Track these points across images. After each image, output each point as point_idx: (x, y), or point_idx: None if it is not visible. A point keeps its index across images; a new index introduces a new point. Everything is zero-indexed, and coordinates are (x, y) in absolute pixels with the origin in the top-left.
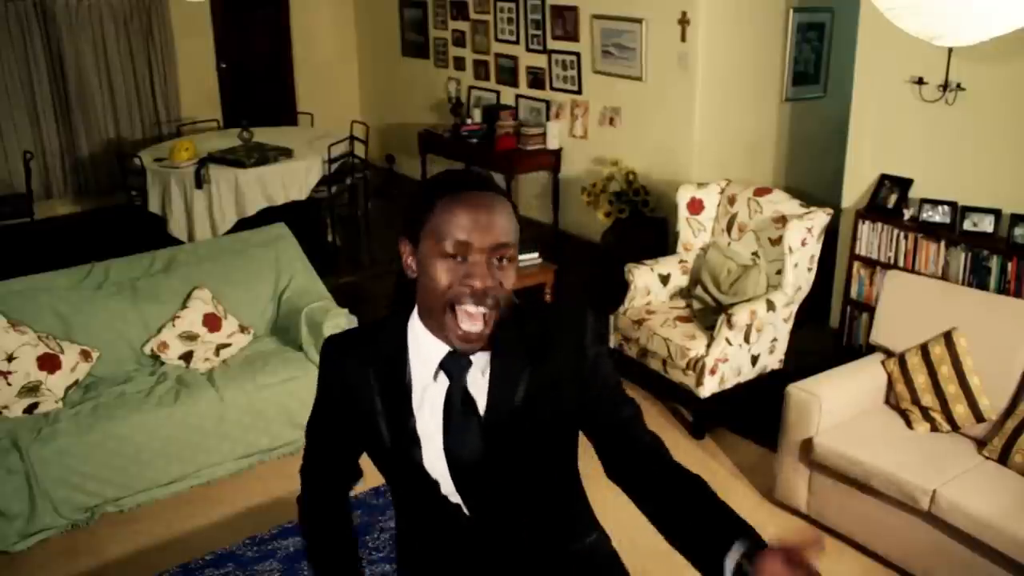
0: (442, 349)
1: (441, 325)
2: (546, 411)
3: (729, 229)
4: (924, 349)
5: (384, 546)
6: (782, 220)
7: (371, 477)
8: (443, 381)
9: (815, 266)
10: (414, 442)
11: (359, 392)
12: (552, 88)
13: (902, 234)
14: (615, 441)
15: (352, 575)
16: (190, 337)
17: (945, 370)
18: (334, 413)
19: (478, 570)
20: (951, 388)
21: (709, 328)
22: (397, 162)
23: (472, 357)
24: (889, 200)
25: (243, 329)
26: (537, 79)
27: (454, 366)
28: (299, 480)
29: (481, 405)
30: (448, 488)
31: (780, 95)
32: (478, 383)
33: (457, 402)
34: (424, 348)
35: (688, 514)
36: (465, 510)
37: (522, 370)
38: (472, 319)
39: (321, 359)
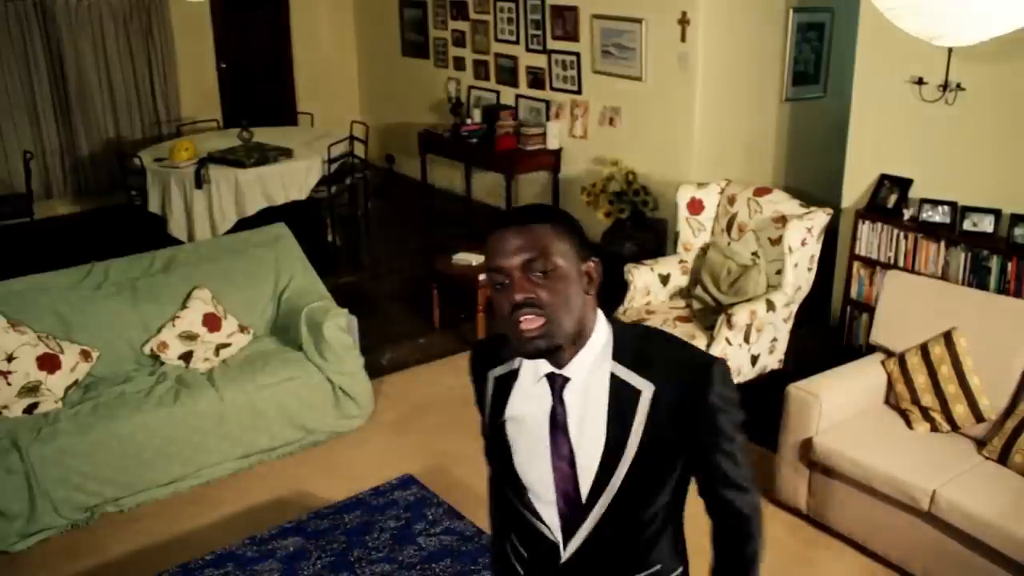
0: (544, 367)
1: (514, 343)
2: (647, 448)
3: (729, 229)
4: (924, 349)
5: (384, 546)
6: (782, 220)
7: (372, 477)
8: (547, 400)
9: (815, 266)
10: (504, 439)
11: (482, 388)
12: (552, 88)
13: (902, 234)
14: (711, 500)
15: None
16: (190, 337)
17: (945, 370)
18: (481, 410)
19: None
20: (951, 388)
21: (709, 328)
22: (397, 162)
23: (570, 375)
24: (889, 200)
25: (243, 329)
26: (537, 79)
27: (554, 385)
28: (301, 485)
29: (574, 423)
30: (537, 496)
31: (780, 95)
32: (577, 402)
33: (558, 419)
34: (532, 366)
35: None
36: (544, 521)
37: (638, 406)
38: (524, 324)
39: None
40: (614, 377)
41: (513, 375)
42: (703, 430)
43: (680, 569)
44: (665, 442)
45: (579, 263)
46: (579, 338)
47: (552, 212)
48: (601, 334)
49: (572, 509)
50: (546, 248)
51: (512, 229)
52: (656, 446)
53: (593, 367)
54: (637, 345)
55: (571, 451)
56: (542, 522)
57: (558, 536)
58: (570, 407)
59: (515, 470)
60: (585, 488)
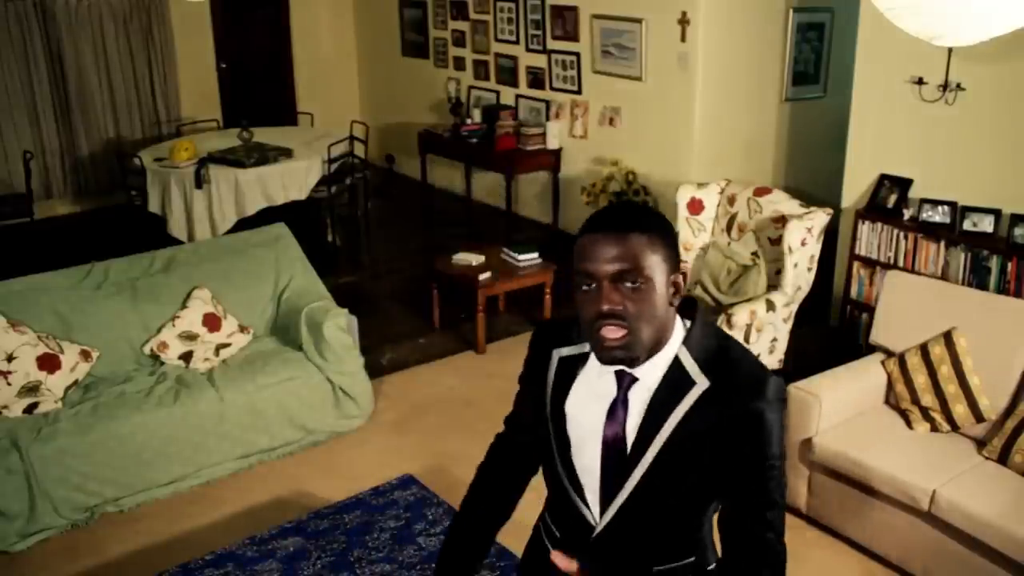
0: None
1: (594, 349)
2: (687, 456)
3: (729, 229)
4: (924, 349)
5: (384, 546)
6: (782, 220)
7: (372, 477)
8: (612, 390)
9: (815, 266)
10: (563, 424)
11: (541, 377)
12: (552, 88)
13: (902, 234)
14: (731, 531)
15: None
16: (190, 337)
17: (945, 370)
18: (528, 388)
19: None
20: (951, 388)
21: None
22: (397, 162)
23: (641, 376)
24: (889, 200)
25: (243, 329)
26: (537, 79)
27: (621, 382)
28: (301, 485)
29: (634, 420)
30: (582, 478)
31: (780, 95)
32: (641, 398)
33: (618, 413)
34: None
35: None
36: (590, 514)
37: (679, 405)
38: (606, 333)
39: (532, 336)
40: (676, 361)
41: (580, 359)
42: (744, 440)
43: (715, 564)
44: (700, 439)
45: (668, 274)
46: (656, 346)
47: (651, 220)
48: (677, 339)
49: (608, 487)
50: (640, 261)
51: (611, 236)
52: (691, 439)
53: (663, 367)
54: (708, 344)
55: (624, 444)
56: (584, 503)
57: (596, 515)
58: (632, 405)
59: (569, 455)
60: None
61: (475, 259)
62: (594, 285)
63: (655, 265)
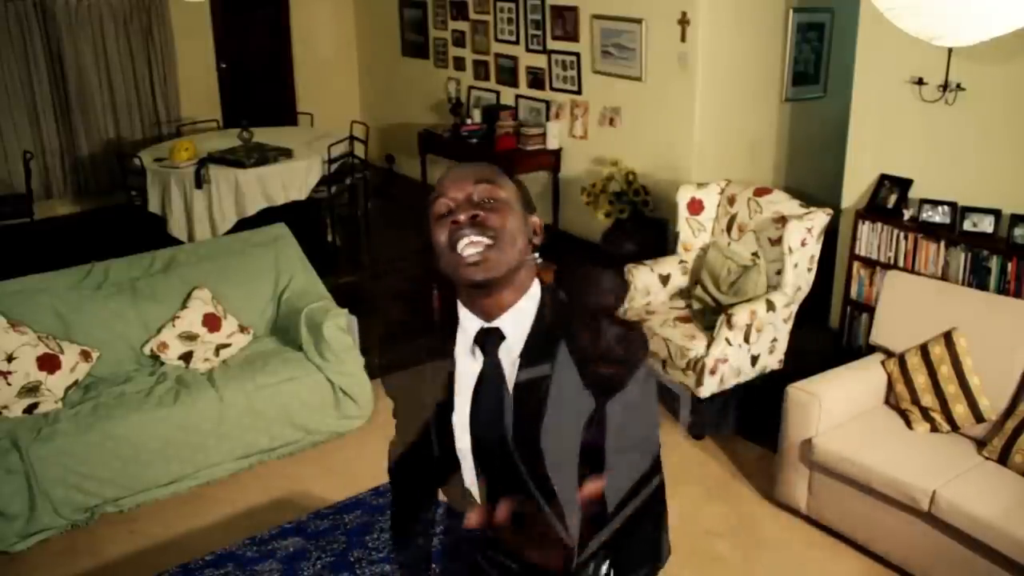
0: (477, 324)
1: (456, 277)
2: (566, 408)
3: (729, 229)
4: (924, 349)
5: (384, 546)
6: (782, 220)
7: (372, 477)
8: (480, 358)
9: (815, 266)
10: (448, 428)
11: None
12: (552, 88)
13: (902, 234)
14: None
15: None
16: (190, 337)
17: (945, 370)
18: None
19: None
20: (951, 388)
21: (709, 328)
22: (397, 162)
23: (507, 333)
24: (889, 200)
25: (243, 329)
26: (537, 79)
27: (488, 341)
28: (301, 485)
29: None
30: (468, 476)
31: (780, 95)
32: (509, 364)
33: (490, 378)
34: (465, 326)
35: None
36: (476, 499)
37: (552, 363)
38: (466, 249)
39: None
40: (539, 316)
41: (445, 362)
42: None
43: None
44: (572, 405)
45: (524, 212)
46: (515, 280)
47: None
48: (534, 294)
49: (488, 469)
50: (496, 190)
51: (466, 169)
52: (563, 407)
53: (527, 323)
54: (562, 308)
55: (501, 412)
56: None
57: (473, 487)
58: (504, 370)
59: (455, 446)
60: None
61: None
62: (452, 207)
63: (511, 195)
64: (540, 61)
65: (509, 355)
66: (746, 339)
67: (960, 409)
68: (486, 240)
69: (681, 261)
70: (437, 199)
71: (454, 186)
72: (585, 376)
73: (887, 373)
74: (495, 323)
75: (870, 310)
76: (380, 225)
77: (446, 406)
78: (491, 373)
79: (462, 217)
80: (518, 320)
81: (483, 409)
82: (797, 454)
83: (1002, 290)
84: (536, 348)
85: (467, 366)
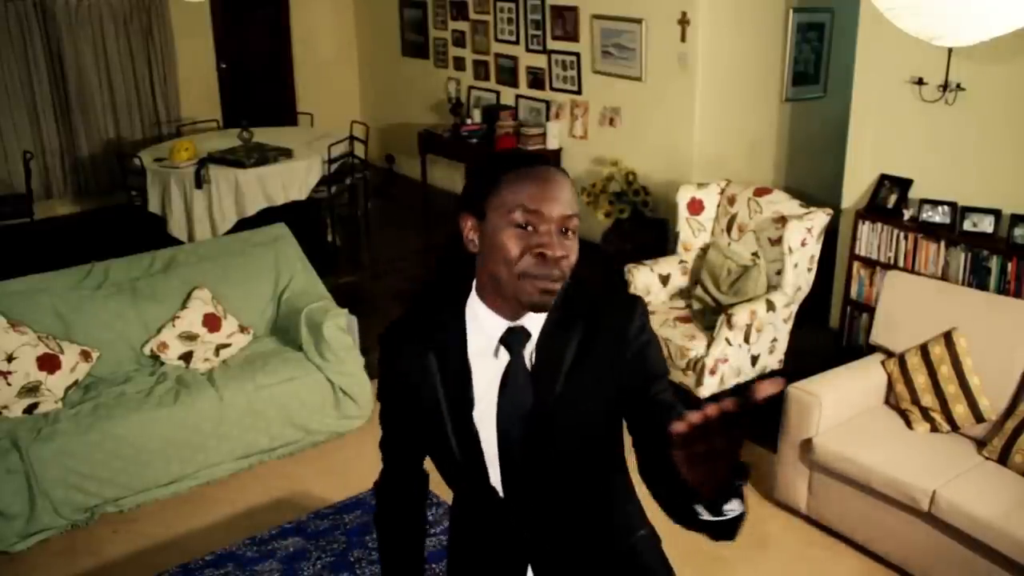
0: (502, 325)
1: (513, 292)
2: (588, 392)
3: (729, 229)
4: (924, 349)
5: None
6: (782, 220)
7: (372, 477)
8: (503, 358)
9: (815, 266)
10: (472, 430)
11: (422, 380)
12: (552, 88)
13: (902, 234)
14: (648, 444)
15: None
16: (190, 337)
17: (945, 370)
18: (398, 403)
19: (516, 564)
20: (951, 388)
21: (709, 328)
22: (397, 162)
23: (531, 329)
24: (889, 200)
25: (243, 329)
26: (537, 79)
27: (515, 340)
28: (301, 485)
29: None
30: (493, 474)
31: (780, 95)
32: (529, 359)
33: (518, 375)
34: (485, 326)
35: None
36: (501, 493)
37: (567, 349)
38: (547, 288)
39: (381, 349)
40: (547, 321)
41: (456, 344)
42: (632, 368)
43: (644, 531)
44: (592, 381)
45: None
46: None
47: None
48: None
49: (522, 460)
50: (576, 208)
51: (556, 178)
52: (586, 379)
53: (542, 316)
54: (565, 293)
55: (537, 409)
56: (490, 488)
57: (501, 493)
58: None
59: (478, 445)
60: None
61: None
62: (538, 228)
63: (579, 219)
64: (540, 61)
65: (529, 348)
66: (746, 339)
67: (960, 409)
68: (559, 276)
69: (681, 261)
70: (526, 211)
71: (548, 203)
72: (609, 337)
73: (887, 373)
74: (521, 322)
75: (870, 310)
76: (380, 225)
77: (462, 408)
78: (517, 369)
79: (549, 254)
80: (537, 317)
81: (512, 404)
82: (797, 454)
83: (1002, 290)
84: (552, 335)
85: (486, 365)
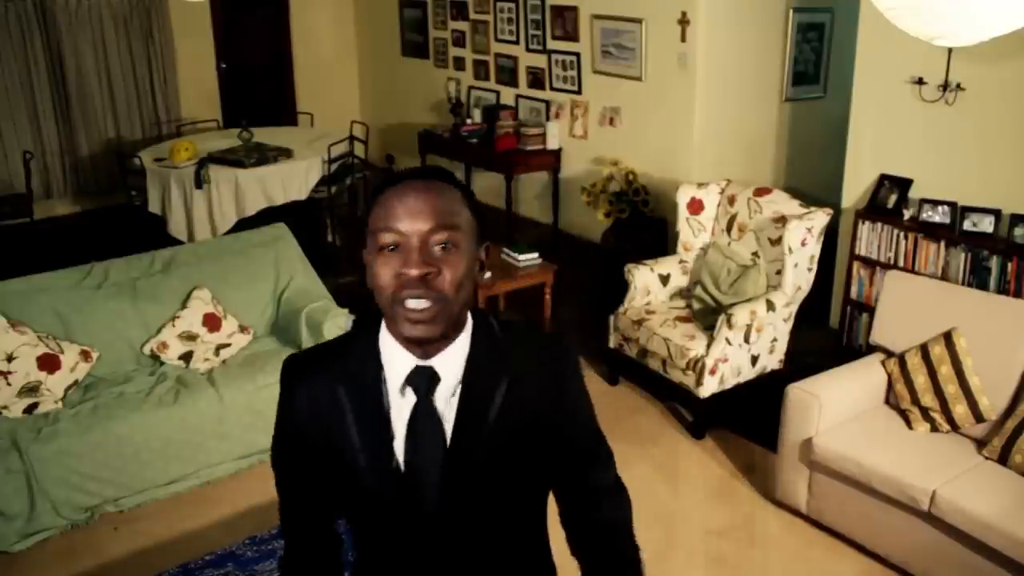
0: (410, 362)
1: (394, 322)
2: (516, 441)
3: (729, 229)
4: (924, 349)
5: None
6: (782, 220)
7: None
8: (410, 398)
9: (815, 266)
10: (392, 467)
11: (330, 413)
12: (552, 88)
13: (902, 234)
14: (576, 502)
15: None
16: (190, 337)
17: (945, 370)
18: (301, 441)
19: None
20: (951, 388)
21: (709, 328)
22: (397, 162)
23: (442, 374)
24: (889, 200)
25: (243, 329)
26: (537, 79)
27: (421, 381)
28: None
29: (448, 427)
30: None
31: (780, 95)
32: (449, 403)
33: (423, 420)
34: (394, 362)
35: None
36: (408, 534)
37: (495, 394)
38: (416, 312)
39: (283, 380)
40: (473, 350)
41: (367, 386)
42: (564, 414)
43: None
44: (521, 432)
45: (476, 243)
46: (455, 328)
47: (456, 178)
48: (468, 326)
49: (421, 519)
50: (454, 218)
51: (420, 188)
52: (512, 430)
53: (460, 359)
54: (493, 325)
55: (437, 447)
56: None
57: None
58: (440, 410)
59: (403, 492)
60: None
61: None
62: (399, 245)
63: (466, 225)
64: (540, 61)
65: (443, 391)
66: (746, 339)
67: (960, 409)
68: (434, 300)
69: (681, 261)
70: (384, 230)
71: (409, 218)
72: (537, 390)
73: (887, 373)
74: (429, 362)
75: (870, 310)
76: None
77: (381, 442)
78: (424, 412)
79: (413, 272)
80: (452, 357)
81: (419, 444)
82: (797, 454)
83: (1002, 290)
84: (476, 378)
85: (400, 402)
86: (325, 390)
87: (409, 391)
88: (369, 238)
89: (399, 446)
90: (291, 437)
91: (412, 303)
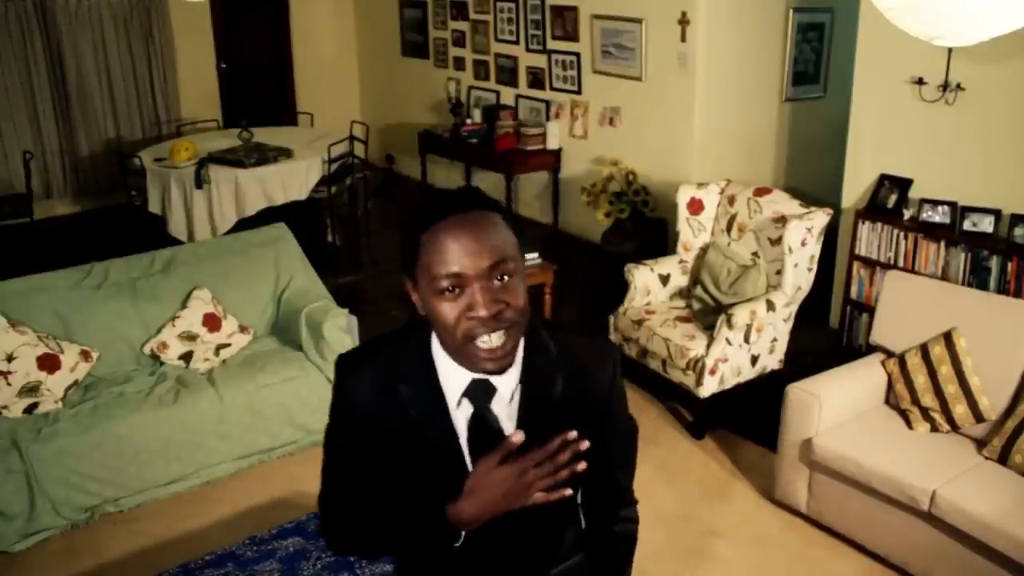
0: (465, 377)
1: (466, 359)
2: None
3: (729, 229)
4: (924, 349)
5: None
6: (782, 220)
7: None
8: (466, 408)
9: (815, 266)
10: (457, 451)
11: (391, 407)
12: (552, 88)
13: (902, 234)
14: (596, 497)
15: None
16: (190, 337)
17: (945, 370)
18: (358, 433)
19: None
20: (951, 388)
21: (709, 328)
22: (397, 162)
23: (498, 384)
24: (889, 200)
25: (243, 329)
26: (537, 79)
27: (479, 393)
28: (301, 485)
29: (509, 431)
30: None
31: (780, 95)
32: (508, 408)
33: (484, 431)
34: (449, 373)
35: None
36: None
37: (552, 395)
38: (491, 347)
39: (337, 373)
40: (528, 359)
41: (426, 382)
42: (611, 412)
43: (578, 557)
44: (578, 429)
45: (522, 258)
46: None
47: (491, 199)
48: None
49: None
50: (507, 249)
51: (469, 221)
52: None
53: (516, 369)
54: (540, 330)
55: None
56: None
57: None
58: (499, 415)
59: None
60: None
61: None
62: (460, 288)
63: (514, 249)
64: (540, 61)
65: (500, 398)
66: (746, 339)
67: (960, 409)
68: (506, 335)
69: (681, 261)
70: (445, 276)
71: (467, 259)
72: (589, 388)
73: (887, 373)
74: (492, 379)
75: (870, 310)
76: (380, 225)
77: (449, 445)
78: (483, 422)
79: (483, 314)
80: (512, 370)
81: (480, 454)
82: (797, 454)
83: (1002, 290)
84: (534, 387)
85: (453, 409)
86: (383, 387)
87: (466, 402)
88: (422, 277)
89: (463, 446)
90: (349, 426)
91: (486, 341)
